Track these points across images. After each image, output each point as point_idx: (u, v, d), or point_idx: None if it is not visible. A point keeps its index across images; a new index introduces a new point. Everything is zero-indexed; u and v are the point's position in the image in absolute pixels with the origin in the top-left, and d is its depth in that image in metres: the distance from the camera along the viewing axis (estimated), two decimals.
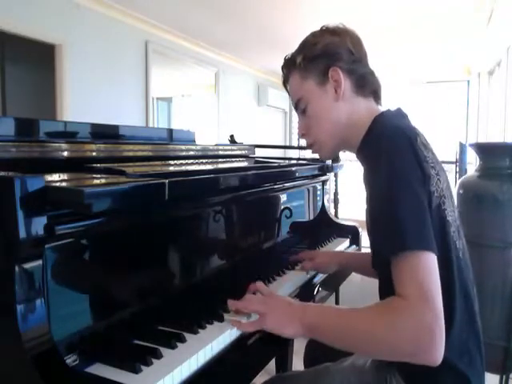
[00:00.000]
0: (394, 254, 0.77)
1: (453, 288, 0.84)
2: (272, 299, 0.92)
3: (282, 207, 1.49)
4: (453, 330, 0.83)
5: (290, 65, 1.02)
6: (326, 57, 0.95)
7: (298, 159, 2.18)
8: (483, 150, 2.14)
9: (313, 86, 0.97)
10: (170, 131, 1.77)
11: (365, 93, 0.97)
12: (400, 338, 0.73)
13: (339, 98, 0.95)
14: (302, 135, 1.04)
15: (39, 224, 0.64)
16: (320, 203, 1.84)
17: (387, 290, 0.80)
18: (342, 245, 1.66)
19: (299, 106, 1.01)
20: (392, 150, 0.82)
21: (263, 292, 0.96)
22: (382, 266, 0.83)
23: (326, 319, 0.84)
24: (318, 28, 1.03)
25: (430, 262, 0.75)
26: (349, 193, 4.89)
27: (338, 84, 0.94)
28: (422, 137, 0.89)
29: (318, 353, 1.23)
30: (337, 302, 2.42)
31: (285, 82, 1.06)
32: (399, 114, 0.97)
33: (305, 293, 1.19)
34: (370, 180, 0.87)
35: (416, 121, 0.97)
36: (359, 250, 1.78)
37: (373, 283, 1.04)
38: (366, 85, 0.97)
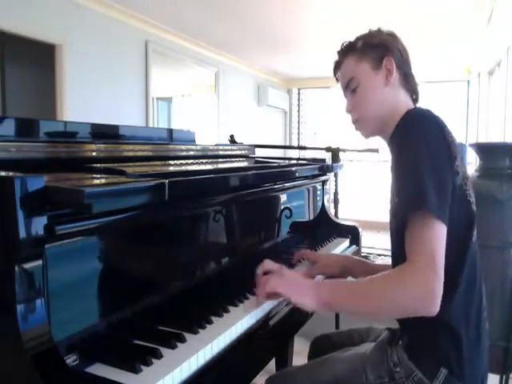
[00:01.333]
0: (412, 211, 0.86)
1: (463, 264, 0.93)
2: (285, 272, 1.00)
3: (282, 207, 1.49)
4: (456, 294, 0.91)
5: (348, 48, 1.11)
6: (383, 47, 1.06)
7: (298, 159, 2.18)
8: (483, 149, 2.14)
9: (367, 68, 1.06)
10: (170, 131, 1.77)
11: (407, 88, 1.08)
12: (407, 297, 0.83)
13: (388, 84, 1.05)
14: (348, 111, 1.12)
15: (39, 224, 0.64)
16: (320, 203, 1.84)
17: (399, 261, 0.88)
18: (342, 245, 1.66)
19: (350, 85, 1.09)
20: (422, 130, 0.91)
21: (273, 269, 1.03)
22: (399, 234, 0.92)
23: (339, 293, 0.92)
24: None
25: (441, 231, 0.84)
26: (349, 193, 4.89)
27: (390, 72, 1.05)
28: (448, 128, 0.97)
29: (322, 349, 1.24)
30: None
31: (336, 67, 1.14)
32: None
33: None
34: (399, 158, 0.94)
35: None
36: (359, 250, 1.78)
37: None
38: (409, 82, 1.08)
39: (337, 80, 1.16)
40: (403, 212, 0.89)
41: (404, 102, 1.06)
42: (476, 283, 0.97)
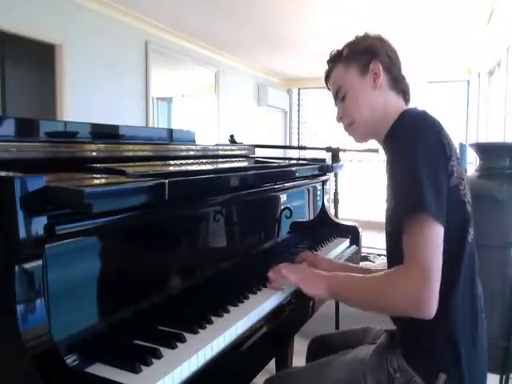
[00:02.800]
0: (409, 213, 0.87)
1: (460, 267, 0.93)
2: (299, 266, 1.14)
3: (282, 207, 1.49)
4: (454, 308, 0.92)
5: (335, 57, 1.13)
6: (369, 53, 1.07)
7: (298, 159, 2.18)
8: (483, 149, 2.14)
9: (354, 74, 1.08)
10: (170, 131, 1.77)
11: (397, 90, 1.09)
12: (399, 300, 0.87)
13: (376, 87, 1.06)
14: (339, 119, 1.14)
15: (39, 224, 0.64)
16: (320, 203, 1.84)
17: (394, 263, 0.91)
18: (342, 245, 1.66)
19: (339, 93, 1.12)
20: (417, 132, 0.92)
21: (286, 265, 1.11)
22: (394, 236, 0.94)
23: (345, 283, 1.01)
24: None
25: (438, 232, 0.85)
26: (349, 193, 4.89)
27: (377, 76, 1.06)
28: (444, 130, 0.97)
29: (321, 350, 1.24)
30: (337, 301, 2.42)
31: (327, 77, 1.17)
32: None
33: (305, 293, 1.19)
34: (395, 160, 0.95)
35: None
36: (359, 249, 1.78)
37: None
38: (399, 84, 1.09)
39: (328, 89, 1.18)
40: (402, 214, 0.90)
41: (395, 104, 1.07)
42: (473, 285, 0.96)
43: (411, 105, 1.12)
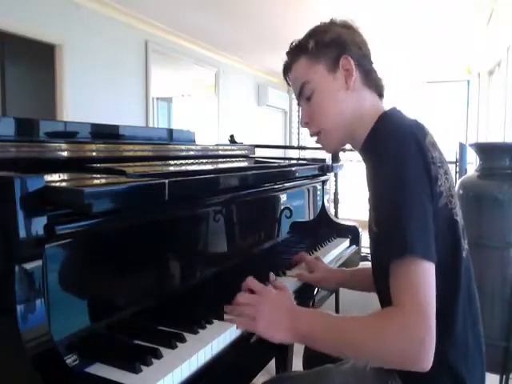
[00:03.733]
0: (394, 258, 0.77)
1: (458, 290, 0.85)
2: (263, 299, 0.90)
3: (282, 207, 1.49)
4: (455, 333, 0.84)
5: (297, 50, 0.98)
6: (339, 45, 0.93)
7: (298, 159, 2.18)
8: (483, 149, 2.14)
9: (323, 71, 0.94)
10: (170, 131, 1.78)
11: (370, 86, 0.96)
12: (389, 350, 0.74)
13: (349, 88, 0.93)
14: (305, 124, 1.00)
15: (39, 224, 0.64)
16: (320, 203, 1.84)
17: (387, 302, 0.80)
18: (342, 245, 1.66)
19: (304, 91, 0.97)
20: (400, 154, 0.80)
21: (255, 288, 0.94)
22: (383, 274, 0.82)
23: (317, 329, 0.83)
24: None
25: (428, 271, 0.75)
26: (349, 193, 4.89)
27: (349, 73, 0.93)
28: (430, 135, 0.89)
29: (317, 354, 1.22)
30: (337, 302, 2.42)
31: (285, 70, 1.02)
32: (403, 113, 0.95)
33: (305, 293, 1.19)
34: (376, 183, 0.86)
35: None
36: (359, 249, 1.78)
37: None
38: (372, 79, 0.96)
39: (288, 84, 1.03)
40: (385, 259, 0.80)
41: (371, 104, 0.95)
42: (472, 300, 0.89)
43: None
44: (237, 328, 0.87)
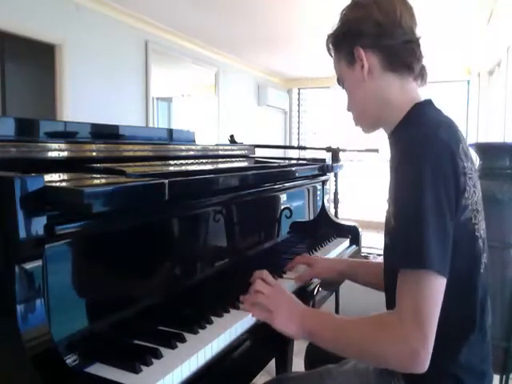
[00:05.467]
0: (408, 266, 0.77)
1: (474, 307, 0.85)
2: (277, 294, 0.95)
3: (282, 207, 1.49)
4: (465, 348, 0.84)
5: (327, 47, 1.02)
6: (349, 36, 0.93)
7: (298, 159, 2.18)
8: (483, 150, 2.14)
9: (344, 66, 0.97)
10: (170, 131, 1.78)
11: (396, 68, 0.91)
12: (386, 354, 0.78)
13: (365, 78, 0.92)
14: (347, 109, 1.04)
15: (39, 224, 0.64)
16: (320, 203, 1.84)
17: (392, 300, 0.81)
18: (342, 245, 1.66)
19: (340, 82, 1.02)
20: (430, 157, 0.78)
21: (269, 282, 0.98)
22: (392, 274, 0.82)
23: (322, 327, 0.87)
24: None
25: (439, 286, 0.76)
26: (349, 193, 4.89)
27: (363, 64, 0.92)
28: (464, 142, 0.86)
29: (318, 354, 1.22)
30: (337, 302, 2.42)
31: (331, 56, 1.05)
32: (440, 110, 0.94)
33: (305, 293, 1.19)
34: (398, 180, 0.83)
35: None
36: (359, 249, 1.77)
37: None
38: (397, 59, 0.90)
39: None
40: (399, 260, 0.80)
41: (398, 88, 0.91)
42: (484, 317, 0.88)
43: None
44: (252, 316, 0.92)
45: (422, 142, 0.80)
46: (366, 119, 1.00)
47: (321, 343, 0.88)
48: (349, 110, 1.03)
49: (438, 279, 0.75)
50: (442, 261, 0.76)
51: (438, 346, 0.75)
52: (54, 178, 0.81)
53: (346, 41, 0.94)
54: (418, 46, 0.91)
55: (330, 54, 1.02)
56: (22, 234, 0.62)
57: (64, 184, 0.79)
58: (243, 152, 1.86)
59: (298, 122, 7.86)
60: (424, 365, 0.75)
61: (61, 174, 0.88)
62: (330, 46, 1.00)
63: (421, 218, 0.76)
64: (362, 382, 0.97)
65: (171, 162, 1.36)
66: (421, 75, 0.94)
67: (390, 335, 0.77)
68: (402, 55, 0.90)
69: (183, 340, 0.79)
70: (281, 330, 0.89)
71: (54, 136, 1.25)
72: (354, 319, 0.85)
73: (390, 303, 0.91)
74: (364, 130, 1.03)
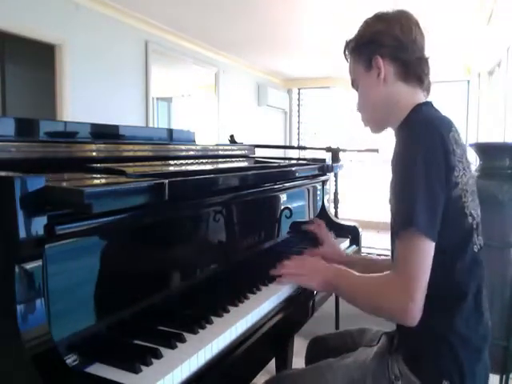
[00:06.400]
0: (400, 229, 0.89)
1: (464, 279, 0.93)
2: (307, 260, 1.17)
3: (282, 207, 1.49)
4: (458, 317, 0.92)
5: (346, 49, 1.12)
6: (372, 45, 1.03)
7: (298, 159, 2.18)
8: (483, 149, 2.14)
9: (361, 70, 1.07)
10: (170, 131, 1.77)
11: (408, 79, 1.03)
12: (385, 306, 0.91)
13: (380, 84, 1.04)
14: (357, 110, 1.14)
15: (39, 224, 0.64)
16: (320, 203, 1.84)
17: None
18: (342, 245, 1.66)
19: (354, 84, 1.13)
20: (422, 137, 0.90)
21: (295, 259, 1.19)
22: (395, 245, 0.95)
23: (341, 281, 1.04)
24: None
25: (428, 248, 0.87)
26: (349, 193, 4.89)
27: (380, 71, 1.03)
28: (454, 132, 0.96)
29: (319, 350, 1.24)
30: (337, 302, 2.42)
31: (348, 60, 1.16)
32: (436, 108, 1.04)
33: (305, 292, 1.19)
34: (399, 159, 0.94)
35: None
36: (359, 249, 1.78)
37: None
38: (410, 71, 1.03)
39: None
40: (396, 224, 0.93)
41: (405, 94, 1.03)
42: (480, 295, 0.95)
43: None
44: (295, 282, 1.12)
45: (417, 126, 0.94)
46: (374, 120, 1.11)
47: (338, 293, 1.12)
48: (359, 110, 1.14)
49: (427, 241, 0.86)
50: (429, 224, 0.86)
51: (431, 307, 0.87)
52: (54, 178, 0.81)
53: (367, 49, 1.04)
54: (427, 63, 1.05)
55: (346, 58, 1.13)
56: (22, 233, 0.62)
57: (64, 184, 0.79)
58: (243, 152, 1.86)
59: (298, 122, 7.86)
60: (413, 316, 0.86)
61: (61, 174, 0.88)
62: (349, 51, 1.10)
63: (412, 187, 0.87)
64: (362, 371, 1.00)
65: (171, 162, 1.36)
66: (427, 89, 1.07)
67: (386, 289, 0.91)
68: (415, 69, 1.03)
69: (183, 340, 0.79)
70: (305, 286, 1.11)
71: (54, 136, 1.25)
72: (365, 276, 1.00)
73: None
74: (372, 130, 1.14)
